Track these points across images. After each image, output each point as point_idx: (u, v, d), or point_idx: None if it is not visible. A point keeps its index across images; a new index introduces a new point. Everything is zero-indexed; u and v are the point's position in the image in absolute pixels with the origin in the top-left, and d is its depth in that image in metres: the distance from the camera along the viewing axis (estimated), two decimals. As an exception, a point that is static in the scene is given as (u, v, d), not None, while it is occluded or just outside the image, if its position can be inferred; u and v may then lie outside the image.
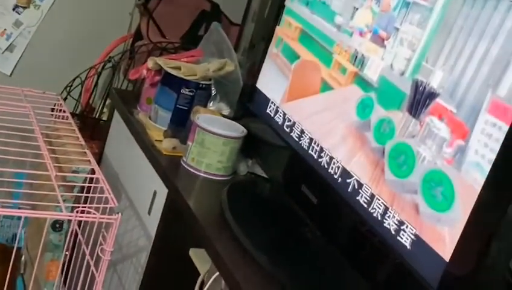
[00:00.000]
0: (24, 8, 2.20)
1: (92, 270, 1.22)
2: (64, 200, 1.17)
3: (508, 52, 0.86)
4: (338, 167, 1.14)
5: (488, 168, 0.85)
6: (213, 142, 1.43)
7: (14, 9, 2.20)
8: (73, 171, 1.34)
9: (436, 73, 0.97)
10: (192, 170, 1.45)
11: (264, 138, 1.54)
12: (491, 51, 0.88)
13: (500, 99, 0.85)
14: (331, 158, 1.17)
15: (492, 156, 0.84)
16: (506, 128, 0.83)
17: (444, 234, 0.90)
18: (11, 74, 2.23)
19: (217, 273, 1.19)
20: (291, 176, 1.39)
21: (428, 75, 0.98)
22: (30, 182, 1.30)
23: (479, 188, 0.85)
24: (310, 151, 1.23)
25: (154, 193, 1.48)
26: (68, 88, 2.09)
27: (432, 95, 0.97)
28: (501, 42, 0.87)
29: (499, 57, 0.87)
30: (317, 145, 1.21)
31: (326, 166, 1.17)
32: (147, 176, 1.51)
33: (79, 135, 1.49)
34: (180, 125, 1.60)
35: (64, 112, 1.60)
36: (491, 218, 0.84)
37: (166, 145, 1.53)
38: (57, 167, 1.28)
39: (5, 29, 2.20)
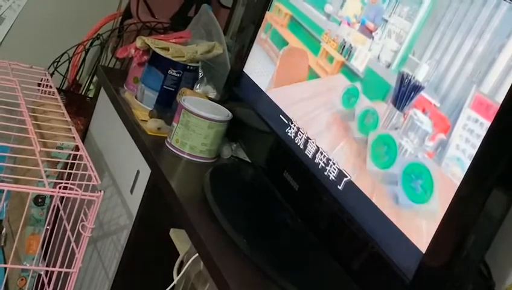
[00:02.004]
0: (14, -20, 2.18)
1: (72, 246, 1.23)
2: (47, 176, 1.17)
3: (493, 49, 0.87)
4: (321, 155, 1.16)
5: (468, 163, 0.86)
6: (198, 125, 1.43)
7: (4, -18, 2.18)
8: (58, 147, 1.35)
9: (422, 66, 0.98)
10: (175, 151, 1.45)
11: (249, 123, 1.54)
12: (477, 48, 0.90)
13: (484, 95, 0.87)
14: (314, 146, 1.18)
15: (473, 152, 0.86)
16: (487, 124, 0.85)
17: (421, 226, 0.92)
18: (-2, 47, 2.22)
19: (196, 254, 1.20)
20: (273, 162, 1.40)
21: (414, 68, 1.00)
22: (14, 156, 1.30)
23: (457, 183, 0.87)
24: (293, 137, 1.24)
25: (137, 173, 1.48)
26: (55, 63, 2.08)
27: (417, 88, 0.98)
28: (487, 39, 0.88)
29: (484, 53, 0.88)
30: (301, 132, 1.22)
31: (308, 153, 1.19)
32: (131, 155, 1.52)
33: (65, 111, 1.49)
34: (166, 106, 1.60)
35: (50, 87, 1.59)
36: (468, 212, 0.86)
37: (151, 125, 1.53)
38: (41, 142, 1.28)
39: (-7, 1, 2.18)
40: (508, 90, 0.83)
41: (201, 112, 1.43)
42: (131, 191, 1.49)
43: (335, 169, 1.11)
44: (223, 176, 1.40)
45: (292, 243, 1.21)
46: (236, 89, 1.53)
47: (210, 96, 1.67)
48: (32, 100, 1.55)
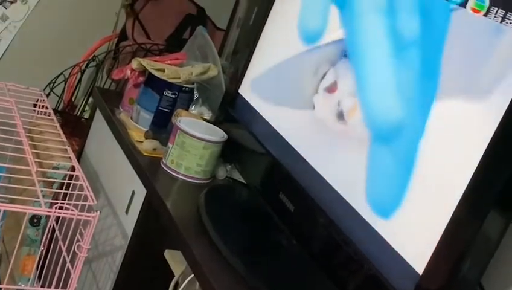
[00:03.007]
0: (11, 2, 2.20)
1: (68, 267, 1.23)
2: (43, 196, 1.18)
3: None
4: (316, 176, 1.17)
5: (464, 185, 0.87)
6: (193, 146, 1.45)
7: (0, 3, 2.19)
8: (54, 168, 1.35)
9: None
10: (171, 172, 1.46)
11: (244, 144, 1.56)
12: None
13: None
14: (310, 167, 1.19)
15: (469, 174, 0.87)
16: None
17: (418, 247, 0.93)
18: (-6, 68, 2.23)
19: (192, 275, 1.21)
20: (269, 183, 1.41)
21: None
22: (10, 176, 1.31)
23: (455, 205, 0.88)
24: (289, 159, 1.26)
25: (133, 193, 1.49)
26: (51, 84, 2.10)
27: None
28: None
29: None
30: (297, 154, 1.24)
31: (304, 174, 1.20)
32: (126, 176, 1.53)
33: (61, 132, 1.50)
34: (162, 127, 1.61)
35: (46, 108, 1.60)
36: (465, 234, 0.87)
37: (147, 146, 1.54)
38: (38, 163, 1.29)
39: (-10, 23, 2.20)
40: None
41: (197, 133, 1.45)
42: (127, 212, 1.50)
43: (331, 190, 1.12)
44: (218, 197, 1.41)
45: (288, 264, 1.22)
46: (231, 110, 1.55)
47: (205, 118, 1.69)
48: (29, 121, 1.55)
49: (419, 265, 0.91)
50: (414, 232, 0.94)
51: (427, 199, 0.92)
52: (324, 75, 1.19)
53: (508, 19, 0.86)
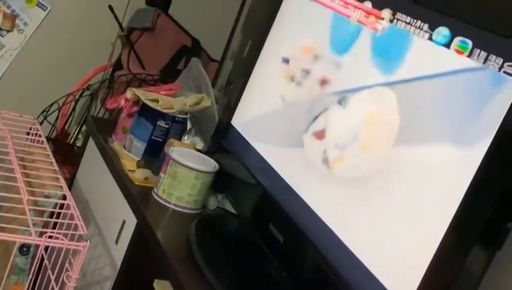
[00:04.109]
0: (8, 31, 2.23)
1: (56, 296, 1.23)
2: (33, 225, 1.18)
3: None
4: (306, 208, 1.17)
5: (448, 221, 0.88)
6: (185, 175, 1.45)
7: (-3, 32, 2.22)
8: (45, 196, 1.35)
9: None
10: (162, 202, 1.47)
11: (236, 175, 1.57)
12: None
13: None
14: (300, 199, 1.20)
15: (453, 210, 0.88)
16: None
17: (405, 282, 0.93)
18: (-11, 95, 2.24)
19: (180, 305, 1.20)
20: (259, 214, 1.42)
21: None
22: (0, 205, 1.31)
23: (439, 239, 0.88)
24: (279, 190, 1.26)
25: (123, 223, 1.49)
26: (45, 112, 2.11)
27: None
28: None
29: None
30: (287, 186, 1.24)
31: (294, 206, 1.20)
32: (117, 205, 1.53)
33: (53, 160, 1.51)
34: (154, 156, 1.62)
35: (40, 136, 1.61)
36: (449, 268, 0.88)
37: (139, 175, 1.55)
38: (29, 191, 1.29)
39: (-14, 51, 2.22)
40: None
41: (189, 163, 1.45)
42: (116, 242, 1.49)
43: (321, 222, 1.12)
44: (208, 227, 1.41)
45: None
46: (223, 141, 1.56)
47: (197, 148, 1.70)
48: (21, 149, 1.56)
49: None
50: (401, 266, 0.94)
51: (412, 235, 0.93)
52: (316, 117, 1.20)
53: (490, 60, 0.87)
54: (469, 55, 0.91)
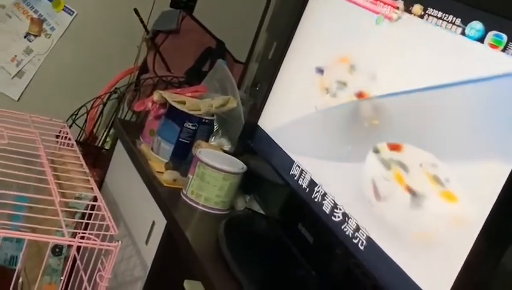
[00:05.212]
0: (35, 36, 2.26)
1: (88, 296, 1.24)
2: (65, 226, 1.20)
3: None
4: (337, 209, 1.17)
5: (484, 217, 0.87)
6: (213, 177, 1.46)
7: (25, 37, 2.25)
8: (76, 198, 1.37)
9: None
10: (191, 203, 1.48)
11: (263, 175, 1.57)
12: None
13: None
14: (331, 200, 1.20)
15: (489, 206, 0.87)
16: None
17: (439, 281, 0.92)
18: (18, 99, 2.27)
19: (211, 305, 1.21)
20: (288, 214, 1.42)
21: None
22: (33, 206, 1.33)
23: (474, 236, 0.88)
24: (308, 191, 1.26)
25: (153, 223, 1.50)
26: (74, 116, 2.13)
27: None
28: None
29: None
30: (317, 187, 1.24)
31: (325, 208, 1.20)
32: (146, 206, 1.54)
33: (83, 163, 1.53)
34: (182, 158, 1.63)
35: (69, 139, 1.63)
36: (484, 266, 0.87)
37: (167, 177, 1.56)
38: (60, 193, 1.31)
39: (15, 56, 2.25)
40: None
41: (217, 164, 1.46)
42: (147, 242, 1.51)
43: (352, 224, 1.12)
44: (237, 228, 1.42)
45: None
46: (250, 142, 1.56)
47: (224, 149, 1.71)
48: (52, 151, 1.58)
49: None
50: (432, 261, 0.94)
51: (443, 227, 0.93)
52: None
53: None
54: (504, 49, 0.90)
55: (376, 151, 1.09)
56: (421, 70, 1.05)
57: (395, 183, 1.02)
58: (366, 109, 1.15)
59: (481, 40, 0.94)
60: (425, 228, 0.96)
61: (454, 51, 0.99)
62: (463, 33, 0.97)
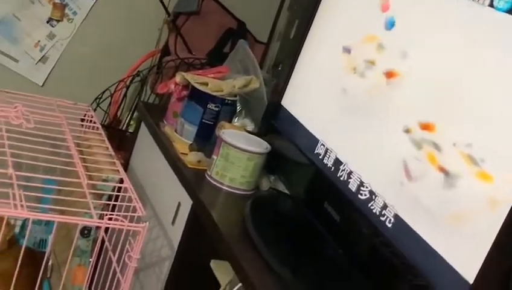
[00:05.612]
0: (58, 21, 2.27)
1: (117, 277, 1.26)
2: (93, 208, 1.21)
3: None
4: (363, 187, 1.17)
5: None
6: (237, 157, 1.46)
7: (48, 22, 2.26)
8: (103, 180, 1.39)
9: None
10: (216, 183, 1.48)
11: (287, 155, 1.57)
12: None
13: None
14: (357, 178, 1.19)
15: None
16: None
17: (468, 255, 0.92)
18: (43, 85, 2.29)
19: (239, 285, 1.22)
20: (313, 193, 1.42)
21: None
22: (61, 189, 1.35)
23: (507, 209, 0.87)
24: (333, 169, 1.26)
25: (179, 205, 1.51)
26: (98, 100, 2.15)
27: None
28: None
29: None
30: (343, 165, 1.24)
31: (351, 186, 1.20)
32: (172, 188, 1.55)
33: (109, 145, 1.54)
34: (206, 139, 1.64)
35: (94, 122, 1.65)
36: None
37: (192, 158, 1.57)
38: (87, 175, 1.32)
39: (38, 41, 2.26)
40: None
41: (241, 145, 1.47)
42: (173, 223, 1.52)
43: (379, 202, 1.12)
44: (262, 208, 1.42)
45: (334, 273, 1.22)
46: (274, 122, 1.56)
47: (248, 129, 1.71)
48: (77, 135, 1.60)
49: (469, 273, 0.90)
50: (463, 239, 0.93)
51: (477, 207, 0.92)
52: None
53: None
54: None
55: (407, 131, 1.08)
56: (451, 45, 1.04)
57: (427, 163, 1.01)
58: (395, 88, 1.14)
59: (510, 11, 0.93)
60: (458, 208, 0.95)
61: (484, 24, 0.97)
62: (491, 5, 0.96)
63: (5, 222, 1.20)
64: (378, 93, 1.18)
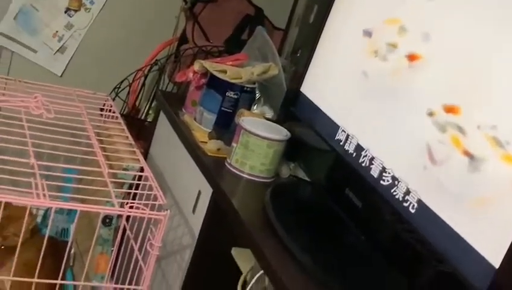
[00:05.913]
0: (75, 11, 2.27)
1: (139, 265, 1.26)
2: (115, 197, 1.21)
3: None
4: (385, 173, 1.16)
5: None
6: (257, 145, 1.46)
7: (65, 12, 2.27)
8: (124, 169, 1.39)
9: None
10: (236, 171, 1.48)
11: (307, 142, 1.56)
12: None
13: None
14: (380, 164, 1.18)
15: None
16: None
17: (494, 240, 0.91)
18: (61, 75, 2.30)
19: (260, 272, 1.22)
20: (334, 180, 1.41)
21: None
22: (82, 178, 1.35)
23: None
24: (355, 155, 1.25)
25: (199, 193, 1.51)
26: (116, 89, 2.15)
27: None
28: None
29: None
30: (365, 151, 1.22)
31: (373, 172, 1.18)
32: (192, 176, 1.55)
33: (128, 135, 1.54)
34: (225, 127, 1.63)
35: (113, 112, 1.65)
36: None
37: (211, 146, 1.56)
38: (108, 164, 1.33)
39: (56, 31, 2.27)
40: None
41: (261, 132, 1.46)
42: (193, 211, 1.52)
43: (402, 187, 1.10)
44: (283, 195, 1.42)
45: (357, 260, 1.21)
46: (293, 109, 1.55)
47: (267, 117, 1.70)
48: (97, 124, 1.60)
49: (495, 258, 0.89)
50: (488, 223, 0.92)
51: (502, 190, 0.90)
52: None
53: None
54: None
55: (430, 114, 1.06)
56: (475, 25, 1.02)
57: (451, 147, 1.00)
58: (418, 71, 1.12)
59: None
60: (483, 192, 0.93)
61: (510, 2, 0.95)
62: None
63: (27, 211, 1.21)
64: (400, 77, 1.16)
